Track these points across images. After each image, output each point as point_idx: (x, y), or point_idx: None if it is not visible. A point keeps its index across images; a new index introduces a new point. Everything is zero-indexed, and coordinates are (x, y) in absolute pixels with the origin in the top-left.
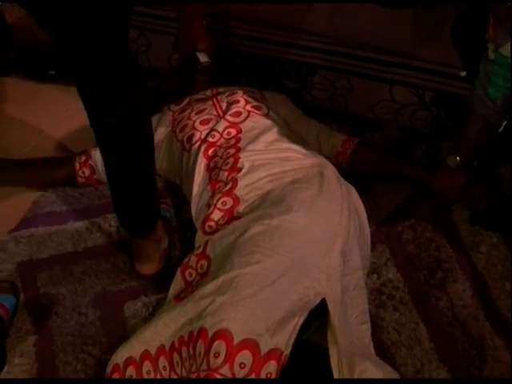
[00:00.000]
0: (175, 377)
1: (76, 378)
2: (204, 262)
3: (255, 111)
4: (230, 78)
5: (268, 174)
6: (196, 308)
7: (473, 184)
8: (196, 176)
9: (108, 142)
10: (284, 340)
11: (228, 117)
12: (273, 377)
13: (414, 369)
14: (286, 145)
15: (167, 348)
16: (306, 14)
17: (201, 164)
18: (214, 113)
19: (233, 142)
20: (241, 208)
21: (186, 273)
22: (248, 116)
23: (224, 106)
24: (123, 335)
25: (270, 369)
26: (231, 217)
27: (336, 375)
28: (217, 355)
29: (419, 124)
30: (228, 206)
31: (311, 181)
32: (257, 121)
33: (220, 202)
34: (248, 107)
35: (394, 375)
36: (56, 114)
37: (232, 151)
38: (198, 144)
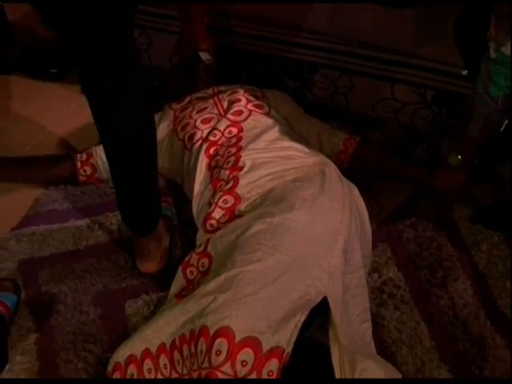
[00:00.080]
0: (176, 375)
1: (76, 378)
2: (205, 260)
3: (256, 110)
4: (230, 76)
5: (269, 173)
6: (197, 306)
7: (474, 183)
8: (197, 175)
9: (111, 139)
10: (286, 338)
11: (229, 115)
12: (274, 375)
13: (415, 368)
14: (288, 143)
15: (168, 346)
16: (307, 12)
17: (202, 163)
18: (216, 111)
19: (234, 140)
20: (242, 206)
21: (188, 271)
22: (249, 115)
23: (225, 104)
24: (124, 333)
25: (272, 367)
26: (232, 215)
27: (337, 373)
28: (218, 353)
29: (420, 123)
30: (229, 205)
31: (313, 179)
32: (258, 119)
33: (221, 200)
34: (249, 106)
35: (396, 374)
36: (58, 112)
37: (233, 150)
38: (199, 143)
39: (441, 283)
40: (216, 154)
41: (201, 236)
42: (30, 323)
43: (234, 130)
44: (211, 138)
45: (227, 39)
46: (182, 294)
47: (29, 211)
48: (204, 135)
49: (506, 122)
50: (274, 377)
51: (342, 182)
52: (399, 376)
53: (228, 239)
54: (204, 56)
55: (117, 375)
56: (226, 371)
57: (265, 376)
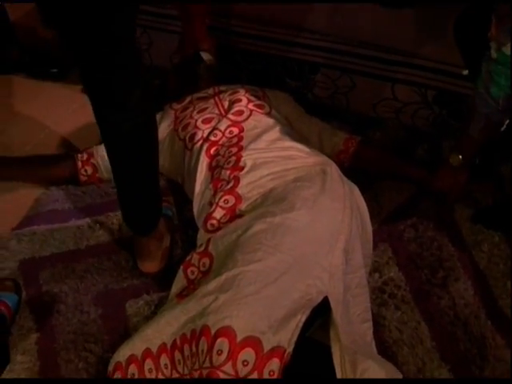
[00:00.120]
0: (177, 375)
1: (77, 378)
2: (206, 260)
3: (257, 110)
4: (231, 76)
5: (270, 173)
6: (198, 306)
7: (475, 183)
8: (198, 175)
9: (113, 138)
10: (287, 338)
11: (230, 115)
12: (275, 375)
13: (416, 367)
14: (289, 143)
15: (169, 346)
16: (308, 12)
17: (203, 163)
18: (216, 111)
19: (235, 140)
20: (243, 206)
21: (189, 271)
22: (250, 115)
23: (226, 104)
24: (125, 333)
25: (273, 367)
26: (233, 215)
27: (338, 373)
28: (220, 352)
29: (421, 123)
30: (230, 204)
31: (313, 179)
32: (259, 119)
33: (222, 200)
34: (250, 106)
35: (397, 374)
36: (58, 112)
37: (234, 150)
38: (200, 143)
39: (442, 283)
40: (217, 153)
41: (202, 236)
42: (31, 323)
43: (235, 130)
44: (212, 138)
45: (228, 39)
46: (183, 294)
47: (30, 211)
48: (205, 135)
49: (507, 121)
50: (275, 377)
51: (343, 182)
52: (400, 376)
53: (229, 239)
54: (205, 56)
55: (118, 375)
56: (227, 371)
57: (266, 376)
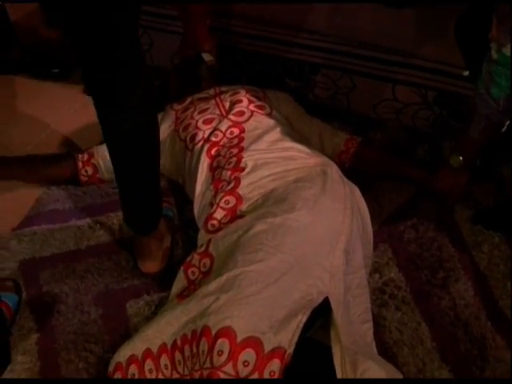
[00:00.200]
0: (177, 375)
1: (78, 378)
2: (207, 261)
3: (258, 111)
4: (231, 76)
5: (271, 173)
6: (199, 306)
7: (475, 184)
8: (199, 175)
9: (115, 137)
10: (287, 338)
11: (231, 116)
12: (276, 375)
13: (416, 368)
14: (289, 144)
15: (169, 346)
16: (308, 12)
17: (204, 163)
18: (217, 112)
19: (236, 141)
20: (244, 207)
21: (189, 271)
22: (251, 115)
23: (227, 105)
24: (125, 333)
25: (274, 367)
26: (234, 215)
27: (339, 374)
28: (220, 353)
29: (421, 123)
30: (231, 205)
31: (314, 180)
32: (260, 120)
33: (223, 200)
34: (251, 107)
35: (397, 375)
36: (59, 112)
37: (235, 151)
38: (200, 143)
39: (442, 284)
40: (217, 154)
41: (202, 236)
42: (31, 323)
43: (236, 131)
44: (213, 139)
45: (228, 39)
46: (184, 295)
47: (30, 211)
48: (205, 136)
49: (508, 122)
50: (275, 377)
51: (344, 183)
52: (400, 377)
53: (230, 239)
54: (206, 57)
55: (118, 375)
56: (227, 371)
57: (266, 376)
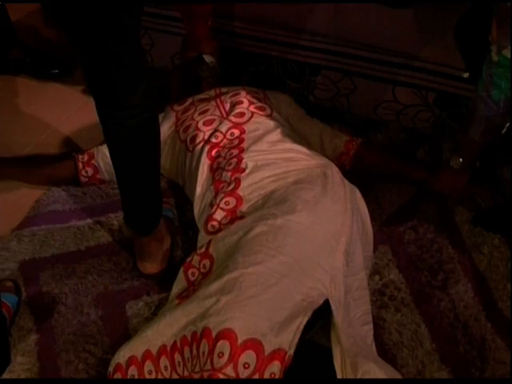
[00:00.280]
0: (176, 377)
1: (77, 378)
2: (207, 262)
3: (259, 112)
4: (232, 77)
5: (271, 174)
6: (200, 307)
7: (475, 185)
8: (199, 176)
9: (115, 136)
10: (288, 340)
11: (231, 117)
12: (276, 377)
13: (416, 370)
14: (290, 145)
15: (169, 348)
16: (309, 14)
17: (204, 165)
18: (218, 113)
19: (236, 142)
20: (244, 208)
21: (189, 272)
22: (251, 117)
23: (227, 106)
24: (125, 334)
25: (274, 369)
26: (234, 216)
27: (339, 376)
28: (221, 355)
29: (422, 125)
30: (231, 206)
31: (315, 181)
32: (260, 121)
33: (223, 201)
34: (251, 108)
35: (397, 376)
36: (60, 112)
37: (235, 152)
38: (201, 145)
39: (442, 285)
40: (218, 155)
41: (202, 237)
42: (31, 324)
43: (236, 132)
44: (213, 140)
45: (228, 41)
46: (184, 295)
47: (30, 211)
48: (206, 137)
49: (508, 124)
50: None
51: (344, 184)
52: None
53: (230, 241)
54: (208, 59)
55: (118, 376)
56: (228, 373)
57: (267, 378)
